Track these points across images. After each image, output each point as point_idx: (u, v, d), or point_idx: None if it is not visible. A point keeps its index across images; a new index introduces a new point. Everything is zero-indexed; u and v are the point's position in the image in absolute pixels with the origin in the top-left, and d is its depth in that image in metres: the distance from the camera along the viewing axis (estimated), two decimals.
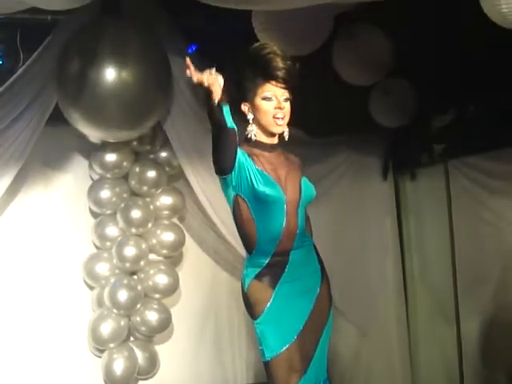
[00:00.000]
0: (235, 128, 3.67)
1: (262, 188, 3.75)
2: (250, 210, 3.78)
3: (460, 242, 6.74)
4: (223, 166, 3.74)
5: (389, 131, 7.14)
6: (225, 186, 3.82)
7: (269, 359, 3.76)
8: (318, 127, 6.76)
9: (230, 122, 3.63)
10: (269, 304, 3.77)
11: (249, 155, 3.80)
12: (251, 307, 3.82)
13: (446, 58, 6.33)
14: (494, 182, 6.43)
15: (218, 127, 3.65)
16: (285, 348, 3.74)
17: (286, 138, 3.88)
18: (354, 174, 7.24)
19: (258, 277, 3.80)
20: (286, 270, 3.80)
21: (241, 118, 3.85)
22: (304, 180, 3.93)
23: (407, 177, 7.39)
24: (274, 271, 3.80)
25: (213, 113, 3.61)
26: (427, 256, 7.17)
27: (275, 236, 3.79)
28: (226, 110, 3.61)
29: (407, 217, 7.40)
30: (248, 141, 3.85)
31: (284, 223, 3.79)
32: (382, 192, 7.35)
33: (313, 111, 6.30)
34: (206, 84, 3.54)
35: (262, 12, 5.59)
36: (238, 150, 3.74)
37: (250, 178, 3.76)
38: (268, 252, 3.80)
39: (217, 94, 3.55)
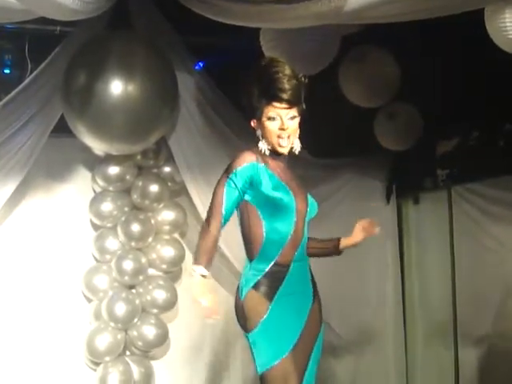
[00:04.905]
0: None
1: (275, 193, 3.76)
2: (258, 214, 3.79)
3: (461, 267, 6.74)
4: None
5: (393, 155, 7.13)
6: None
7: (262, 372, 3.76)
8: (322, 148, 6.75)
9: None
10: (265, 317, 3.76)
11: (262, 161, 3.80)
12: (245, 319, 3.81)
13: (452, 84, 6.34)
14: (496, 208, 6.44)
15: None
16: (278, 361, 3.73)
17: (297, 152, 3.88)
18: (356, 196, 7.23)
19: (256, 286, 3.79)
20: (285, 281, 3.79)
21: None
22: (309, 195, 3.96)
23: (410, 201, 7.40)
24: (272, 282, 3.79)
25: None
26: (427, 280, 7.15)
27: (282, 240, 3.79)
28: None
29: (409, 240, 7.40)
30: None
31: (292, 230, 3.80)
32: (385, 215, 7.33)
33: (317, 132, 6.29)
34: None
35: (270, 30, 5.60)
36: (245, 168, 3.75)
37: (262, 183, 3.76)
38: (271, 257, 3.80)
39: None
